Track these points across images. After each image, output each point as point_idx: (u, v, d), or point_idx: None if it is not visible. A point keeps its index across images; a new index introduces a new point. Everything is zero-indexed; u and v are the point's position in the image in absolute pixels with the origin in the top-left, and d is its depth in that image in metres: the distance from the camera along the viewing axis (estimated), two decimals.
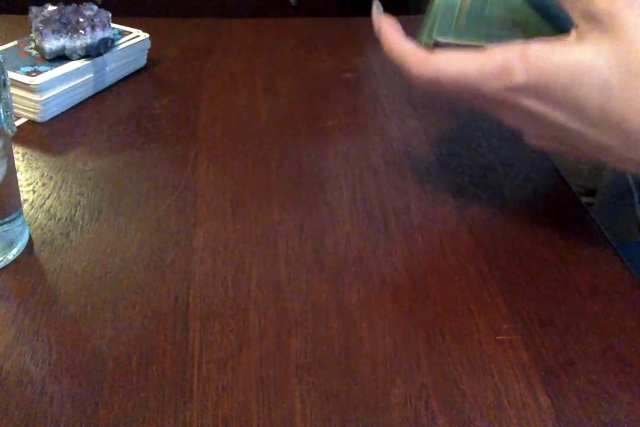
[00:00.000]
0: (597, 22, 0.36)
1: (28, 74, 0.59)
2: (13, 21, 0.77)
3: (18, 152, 0.55)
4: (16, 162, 0.53)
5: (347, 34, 0.79)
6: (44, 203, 0.50)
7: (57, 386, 0.37)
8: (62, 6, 0.64)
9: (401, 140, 0.59)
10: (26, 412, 0.35)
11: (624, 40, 0.36)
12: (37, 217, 0.48)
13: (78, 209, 0.50)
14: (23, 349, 0.38)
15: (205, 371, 0.38)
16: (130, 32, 0.69)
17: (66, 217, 0.49)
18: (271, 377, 0.38)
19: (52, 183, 0.52)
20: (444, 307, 0.42)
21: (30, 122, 0.60)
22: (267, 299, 0.43)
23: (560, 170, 0.56)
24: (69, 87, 0.61)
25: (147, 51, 0.69)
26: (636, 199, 0.67)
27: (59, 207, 0.50)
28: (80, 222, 0.48)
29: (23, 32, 0.66)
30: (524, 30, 0.42)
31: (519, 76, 0.37)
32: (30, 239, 0.46)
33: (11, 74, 0.58)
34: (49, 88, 0.59)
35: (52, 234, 0.47)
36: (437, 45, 0.42)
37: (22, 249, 0.45)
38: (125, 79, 0.68)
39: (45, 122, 0.60)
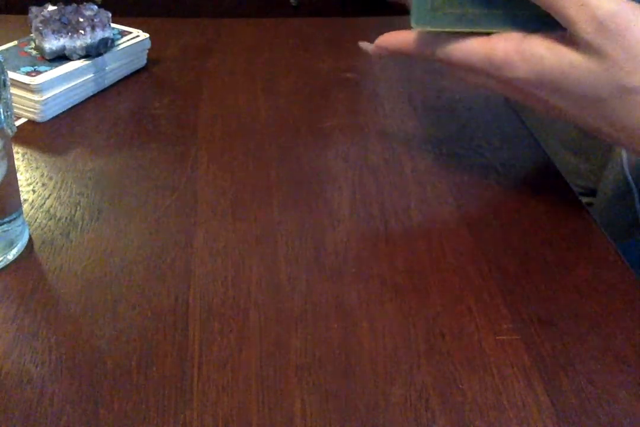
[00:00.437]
0: (603, 29, 0.36)
1: (28, 74, 0.59)
2: (13, 21, 0.77)
3: (18, 152, 0.55)
4: (16, 162, 0.53)
5: (347, 34, 0.79)
6: (44, 203, 0.50)
7: (57, 386, 0.37)
8: (62, 6, 0.64)
9: (401, 140, 0.59)
10: (26, 412, 0.35)
11: (624, 47, 0.36)
12: (37, 217, 0.48)
13: (78, 209, 0.50)
14: (23, 349, 0.38)
15: (205, 371, 0.38)
16: (130, 32, 0.69)
17: (66, 217, 0.49)
18: (271, 377, 0.38)
19: (52, 183, 0.52)
20: (444, 307, 0.42)
21: (30, 122, 0.60)
22: (267, 299, 0.43)
23: (560, 171, 0.56)
24: (69, 87, 0.61)
25: (147, 51, 0.69)
26: (636, 199, 0.67)
27: (59, 207, 0.50)
28: (80, 222, 0.48)
29: (23, 32, 0.66)
30: (501, 12, 0.41)
31: (518, 71, 0.40)
32: (30, 239, 0.46)
33: (11, 74, 0.58)
34: (49, 88, 0.59)
35: (52, 234, 0.47)
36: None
37: (22, 249, 0.45)
38: (125, 79, 0.68)
39: (45, 122, 0.60)
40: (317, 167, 0.55)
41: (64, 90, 0.61)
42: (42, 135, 0.58)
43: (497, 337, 0.40)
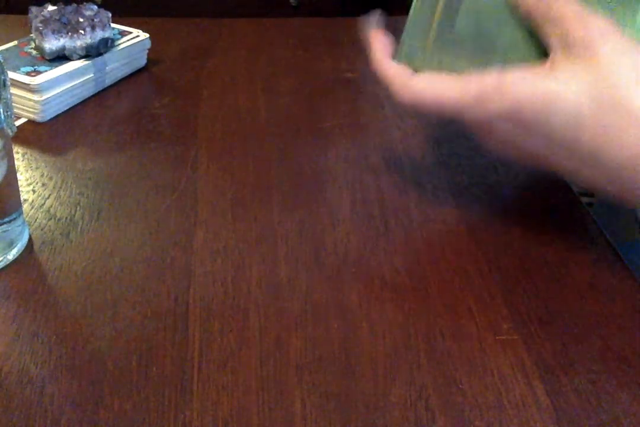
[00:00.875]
0: (573, 51, 0.36)
1: (28, 74, 0.59)
2: (13, 21, 0.77)
3: (18, 152, 0.55)
4: (16, 162, 0.53)
5: (347, 34, 0.79)
6: (44, 203, 0.50)
7: (57, 386, 0.37)
8: (62, 6, 0.64)
9: (401, 140, 0.59)
10: (26, 412, 0.35)
11: (597, 72, 0.36)
12: (37, 217, 0.48)
13: (78, 209, 0.50)
14: (23, 349, 0.38)
15: (205, 370, 0.38)
16: (130, 32, 0.69)
17: (66, 217, 0.49)
18: (271, 377, 0.38)
19: (52, 183, 0.52)
20: (444, 307, 0.42)
21: (30, 122, 0.60)
22: (267, 299, 0.43)
23: None
24: (69, 87, 0.61)
25: (147, 51, 0.69)
26: None
27: (59, 207, 0.50)
28: (80, 222, 0.48)
29: (23, 32, 0.66)
30: (493, 50, 0.41)
31: (494, 104, 0.38)
32: (30, 239, 0.46)
33: (11, 74, 0.58)
34: (49, 88, 0.59)
35: (52, 234, 0.47)
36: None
37: (22, 249, 0.45)
38: (125, 79, 0.68)
39: (45, 122, 0.60)
40: (317, 167, 0.55)
41: (64, 90, 0.61)
42: (42, 135, 0.58)
43: (497, 337, 0.40)
